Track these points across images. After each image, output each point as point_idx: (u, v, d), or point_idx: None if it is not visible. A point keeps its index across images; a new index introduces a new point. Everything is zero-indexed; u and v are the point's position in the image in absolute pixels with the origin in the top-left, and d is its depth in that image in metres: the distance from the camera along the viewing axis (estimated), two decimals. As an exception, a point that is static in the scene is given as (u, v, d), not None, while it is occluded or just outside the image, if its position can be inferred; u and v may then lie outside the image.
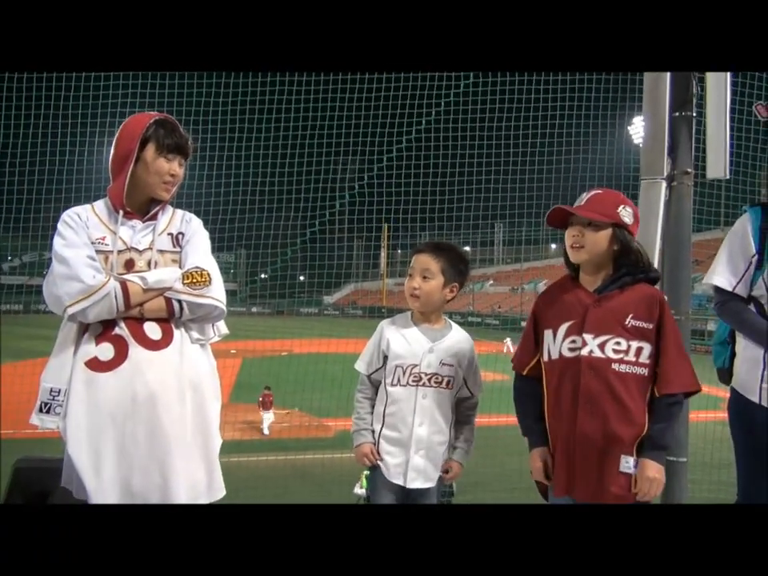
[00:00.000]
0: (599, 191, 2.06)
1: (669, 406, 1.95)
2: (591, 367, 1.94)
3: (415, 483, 2.26)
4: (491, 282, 50.85)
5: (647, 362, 1.95)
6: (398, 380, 2.28)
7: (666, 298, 2.85)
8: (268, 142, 10.26)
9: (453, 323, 2.45)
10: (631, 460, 1.92)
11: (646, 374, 1.95)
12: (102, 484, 1.79)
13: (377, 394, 2.36)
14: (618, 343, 1.94)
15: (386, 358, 2.32)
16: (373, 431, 2.33)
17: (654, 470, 1.91)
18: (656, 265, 2.84)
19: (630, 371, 1.94)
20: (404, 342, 2.31)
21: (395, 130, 9.66)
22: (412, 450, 2.25)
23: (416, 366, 2.27)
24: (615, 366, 1.93)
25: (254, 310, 43.72)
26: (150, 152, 1.94)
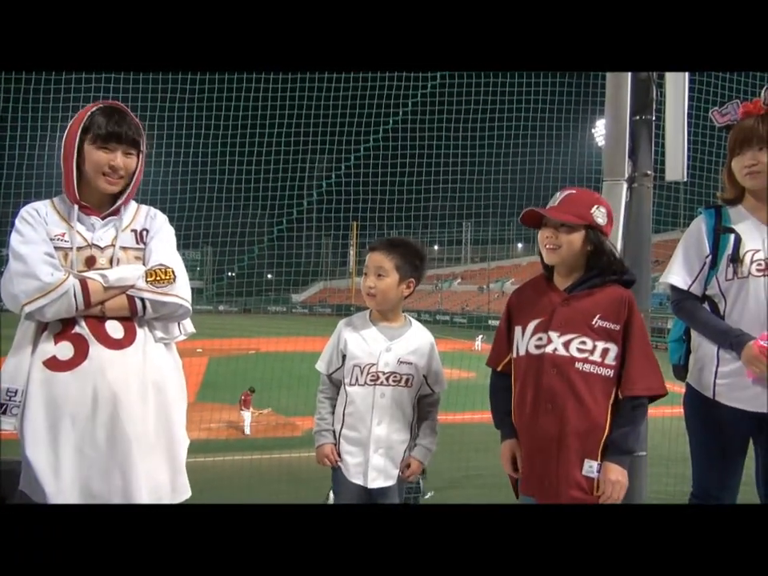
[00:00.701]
0: (573, 191, 2.05)
1: (632, 409, 1.94)
2: (554, 365, 1.95)
3: (376, 482, 2.26)
4: (459, 280, 51.20)
5: (613, 363, 1.95)
6: (356, 380, 2.28)
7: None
8: (235, 139, 10.16)
9: (413, 320, 2.43)
10: (595, 464, 1.92)
11: (611, 375, 1.95)
12: (61, 486, 1.75)
13: (338, 394, 2.36)
14: (583, 342, 1.95)
15: (344, 357, 2.31)
16: (334, 431, 2.32)
17: (617, 473, 1.91)
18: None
19: (595, 371, 1.94)
20: (361, 341, 2.30)
21: (362, 129, 9.66)
22: (371, 449, 2.25)
23: (373, 365, 2.27)
24: (579, 366, 1.94)
25: (220, 308, 43.20)
26: (87, 143, 1.87)
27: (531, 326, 2.02)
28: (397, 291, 2.31)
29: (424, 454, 2.35)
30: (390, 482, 2.28)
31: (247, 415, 13.47)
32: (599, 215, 2.00)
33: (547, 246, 2.01)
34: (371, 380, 2.27)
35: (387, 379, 2.27)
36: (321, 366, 2.39)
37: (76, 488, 1.76)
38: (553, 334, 1.97)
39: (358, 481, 2.26)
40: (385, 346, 2.29)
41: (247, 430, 13.39)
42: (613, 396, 1.96)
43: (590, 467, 1.91)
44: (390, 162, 10.39)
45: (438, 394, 2.42)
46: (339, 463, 2.29)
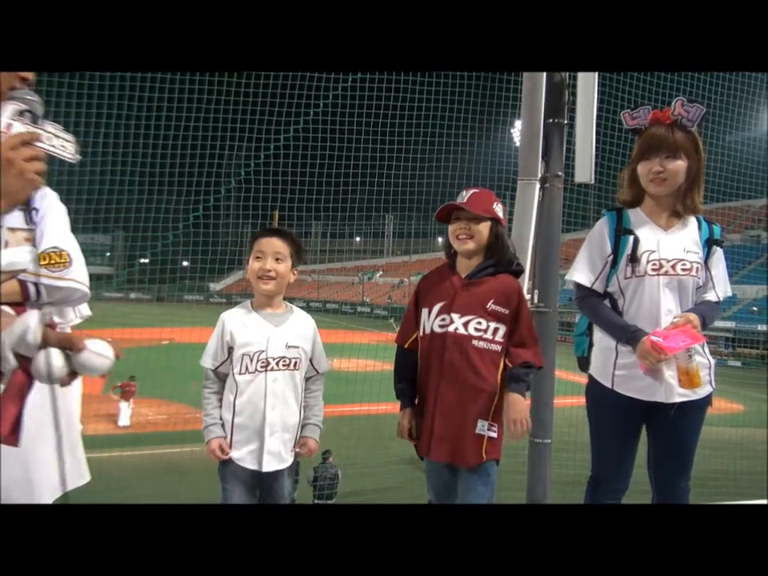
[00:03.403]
0: (476, 190, 2.34)
1: (521, 366, 2.22)
2: (455, 342, 2.21)
3: (271, 466, 2.29)
4: (381, 272, 51.56)
5: (501, 340, 2.24)
6: (246, 368, 2.29)
7: (536, 290, 3.10)
8: (150, 122, 9.76)
9: (294, 307, 2.48)
10: (485, 423, 2.19)
11: (500, 350, 2.24)
12: None
13: (224, 387, 2.35)
14: (479, 323, 2.22)
15: (230, 349, 2.32)
16: (223, 424, 2.32)
17: (517, 409, 2.16)
18: (528, 260, 3.05)
19: (487, 347, 2.22)
20: (247, 330, 2.32)
21: (284, 118, 9.53)
22: (266, 433, 2.28)
23: (263, 351, 2.30)
24: (475, 342, 2.21)
25: (132, 296, 41.39)
26: None
27: (436, 308, 2.27)
28: (289, 276, 2.38)
29: (317, 433, 2.43)
30: (284, 465, 2.33)
31: (124, 406, 13.03)
32: (499, 210, 2.32)
33: (460, 237, 2.28)
34: (261, 366, 2.29)
35: (278, 364, 2.31)
36: (206, 361, 2.36)
37: None
38: (454, 316, 2.23)
39: (253, 466, 2.28)
40: (272, 332, 2.33)
41: (125, 422, 12.95)
42: (501, 366, 2.24)
43: (482, 426, 2.20)
44: (310, 153, 10.33)
45: (323, 374, 2.50)
46: (231, 454, 2.29)
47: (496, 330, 2.23)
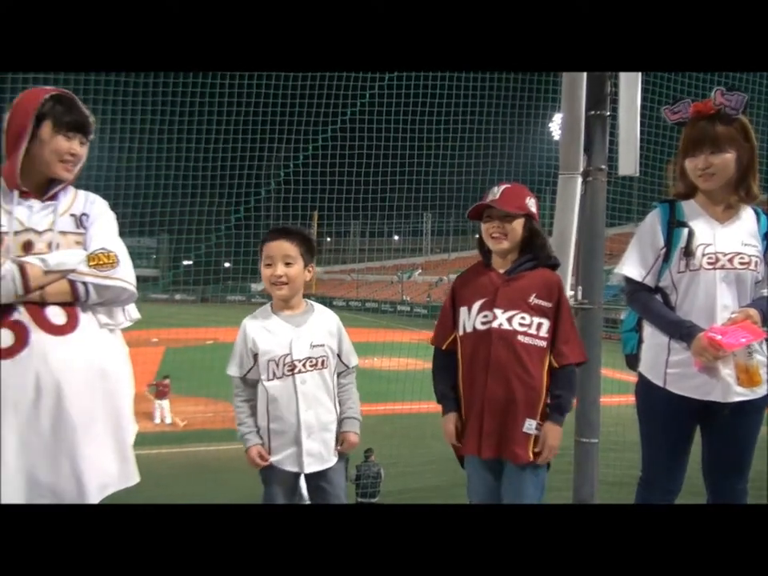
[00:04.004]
0: (508, 185, 2.28)
1: (567, 375, 2.21)
2: (501, 337, 2.17)
3: (312, 467, 2.28)
4: (419, 271, 51.42)
5: (546, 335, 2.20)
6: (273, 374, 2.27)
7: (579, 286, 3.04)
8: (192, 126, 9.95)
9: (315, 304, 2.45)
10: (534, 423, 2.16)
11: (545, 345, 2.20)
12: (6, 476, 1.70)
13: (256, 394, 2.33)
14: (523, 318, 2.18)
15: (255, 355, 2.30)
16: (259, 430, 2.31)
17: (555, 438, 2.17)
18: (571, 256, 2.99)
19: (532, 343, 2.18)
20: (269, 335, 2.31)
21: (321, 119, 9.59)
22: (303, 436, 2.26)
23: (287, 355, 2.28)
24: (520, 338, 2.17)
25: (177, 297, 42.35)
26: (46, 129, 1.83)
27: (477, 305, 2.23)
28: (303, 277, 2.34)
29: (356, 425, 2.40)
30: (327, 465, 2.31)
31: (165, 404, 13.47)
32: (532, 205, 2.27)
33: (494, 236, 2.24)
34: (289, 370, 2.27)
35: (304, 365, 2.29)
36: (233, 370, 2.35)
37: (21, 477, 1.72)
38: (497, 311, 2.20)
39: (294, 468, 2.27)
40: (294, 334, 2.30)
41: (168, 419, 13.34)
42: (547, 363, 2.21)
43: (530, 425, 2.16)
44: (348, 153, 10.35)
45: (354, 368, 2.46)
46: (271, 459, 2.28)
47: (540, 326, 2.19)
